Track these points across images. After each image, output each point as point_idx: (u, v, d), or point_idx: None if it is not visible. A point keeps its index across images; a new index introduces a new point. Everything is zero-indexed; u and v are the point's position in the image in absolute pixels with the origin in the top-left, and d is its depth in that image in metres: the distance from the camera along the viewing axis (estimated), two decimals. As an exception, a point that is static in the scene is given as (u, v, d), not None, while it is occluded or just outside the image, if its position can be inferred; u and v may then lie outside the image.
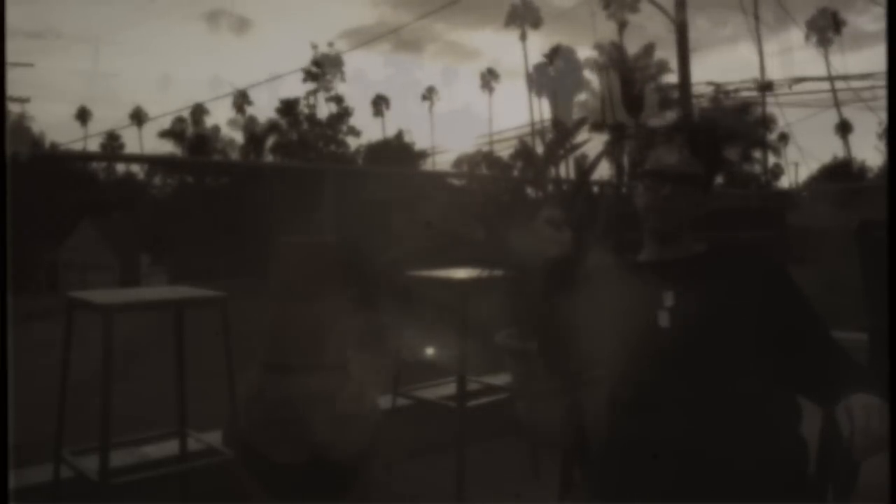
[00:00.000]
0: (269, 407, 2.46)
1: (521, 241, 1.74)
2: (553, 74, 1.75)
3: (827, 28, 30.27)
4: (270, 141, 30.93)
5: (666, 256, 1.61)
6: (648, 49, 32.99)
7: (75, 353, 2.35)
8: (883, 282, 1.29)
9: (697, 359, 1.47)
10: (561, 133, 1.84)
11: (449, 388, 3.11)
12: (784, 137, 33.82)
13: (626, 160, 1.68)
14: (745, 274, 1.55)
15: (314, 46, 29.00)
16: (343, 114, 29.91)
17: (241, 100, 37.26)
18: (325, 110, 29.51)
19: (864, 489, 1.48)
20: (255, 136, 31.82)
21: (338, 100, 29.61)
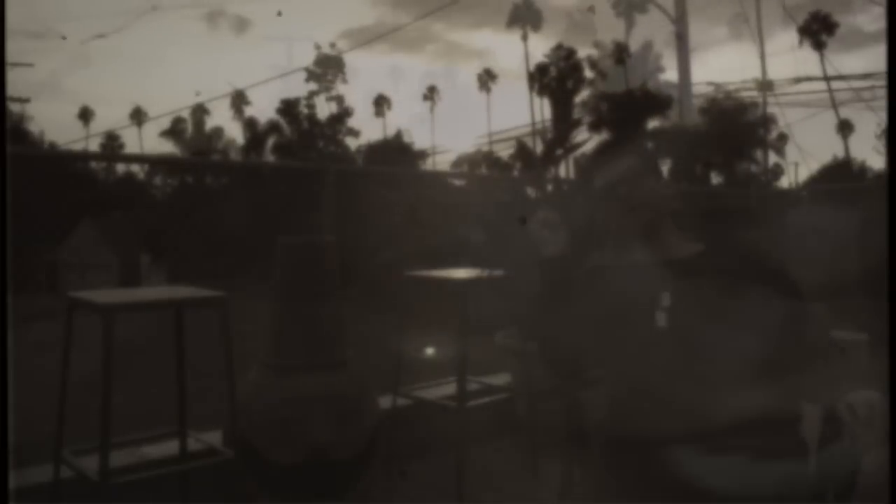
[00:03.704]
0: (269, 407, 2.46)
1: (519, 242, 1.75)
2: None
3: (819, 32, 30.38)
4: (270, 141, 30.95)
5: (663, 256, 1.61)
6: (646, 46, 33.09)
7: (75, 353, 2.35)
8: (881, 281, 1.29)
9: (695, 359, 1.47)
10: (559, 133, 1.85)
11: (449, 388, 3.11)
12: (784, 137, 33.78)
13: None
14: (743, 273, 1.55)
15: (317, 47, 28.95)
16: (343, 114, 29.88)
17: (239, 100, 37.23)
18: (325, 110, 29.50)
19: (864, 489, 1.48)
20: (255, 136, 31.81)
21: (338, 100, 29.60)
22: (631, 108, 25.46)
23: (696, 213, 1.64)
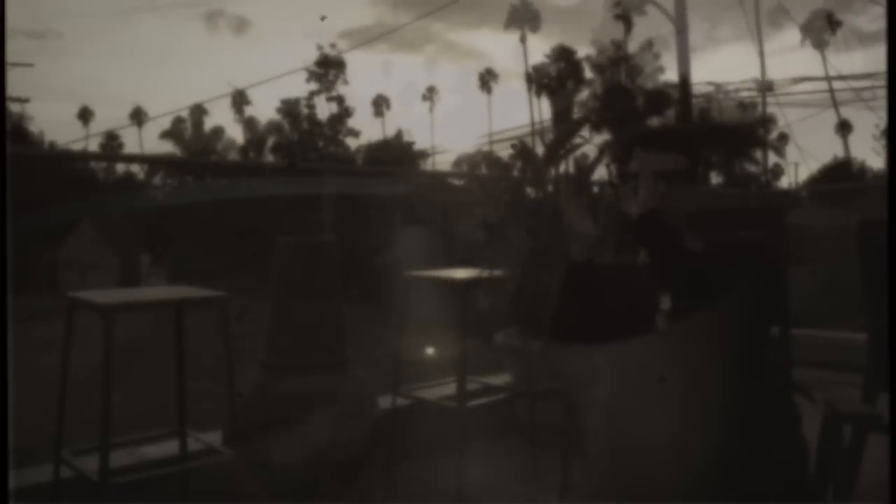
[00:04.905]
0: (269, 407, 2.46)
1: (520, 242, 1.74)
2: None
3: (822, 30, 30.39)
4: (270, 141, 30.99)
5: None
6: (647, 45, 33.16)
7: (75, 353, 2.35)
8: (883, 282, 1.29)
9: (696, 360, 1.47)
10: (560, 132, 1.84)
11: (449, 388, 3.11)
12: (784, 137, 33.78)
13: (611, 167, 1.68)
14: (743, 274, 1.55)
15: (319, 48, 28.90)
16: (343, 114, 29.87)
17: (240, 99, 37.24)
18: (325, 110, 29.49)
19: (864, 489, 1.48)
20: (255, 136, 31.85)
21: (339, 100, 29.56)
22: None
23: (697, 213, 1.63)
